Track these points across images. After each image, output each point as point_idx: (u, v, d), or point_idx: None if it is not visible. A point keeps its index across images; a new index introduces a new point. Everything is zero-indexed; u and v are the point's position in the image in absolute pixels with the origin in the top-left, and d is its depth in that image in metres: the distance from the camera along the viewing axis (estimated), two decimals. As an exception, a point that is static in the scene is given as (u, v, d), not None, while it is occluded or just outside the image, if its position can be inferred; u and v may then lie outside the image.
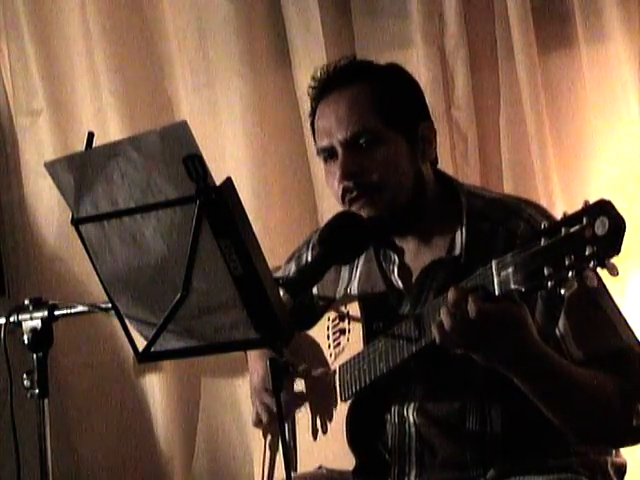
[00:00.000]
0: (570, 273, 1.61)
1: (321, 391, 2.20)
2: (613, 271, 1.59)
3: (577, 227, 1.60)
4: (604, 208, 1.59)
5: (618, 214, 1.58)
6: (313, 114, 2.17)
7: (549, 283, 1.64)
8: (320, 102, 2.14)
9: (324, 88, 2.14)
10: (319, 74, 2.16)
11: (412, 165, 2.10)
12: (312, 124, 2.18)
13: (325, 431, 2.19)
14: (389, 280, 2.16)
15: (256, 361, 2.35)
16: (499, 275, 1.74)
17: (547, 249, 1.65)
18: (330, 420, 2.18)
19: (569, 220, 1.62)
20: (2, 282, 3.46)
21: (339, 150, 2.08)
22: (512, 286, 1.72)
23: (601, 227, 1.57)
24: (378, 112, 2.07)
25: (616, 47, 2.82)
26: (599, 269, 1.60)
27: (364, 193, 2.06)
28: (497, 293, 1.75)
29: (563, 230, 1.63)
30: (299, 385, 2.26)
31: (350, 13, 3.11)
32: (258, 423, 2.32)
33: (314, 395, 2.22)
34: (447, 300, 1.79)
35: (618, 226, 1.57)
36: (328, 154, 2.11)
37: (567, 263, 1.61)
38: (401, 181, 2.08)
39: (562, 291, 1.63)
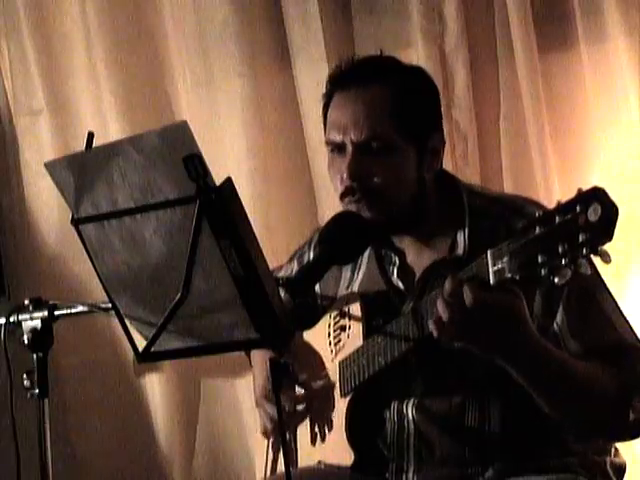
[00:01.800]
0: (564, 260, 1.62)
1: (320, 400, 2.20)
2: (606, 258, 1.59)
3: (570, 215, 1.61)
4: (597, 195, 1.59)
5: (611, 201, 1.58)
6: (328, 99, 2.14)
7: (543, 271, 1.65)
8: (339, 92, 2.11)
9: (346, 79, 2.12)
10: (344, 63, 2.15)
11: (416, 175, 2.09)
12: (325, 110, 2.16)
13: (323, 439, 2.20)
14: (389, 281, 2.16)
15: (258, 372, 2.35)
16: (494, 265, 1.75)
17: (541, 237, 1.66)
18: (329, 429, 2.18)
19: (563, 208, 1.63)
20: (2, 282, 3.46)
21: (349, 149, 2.07)
22: (507, 275, 1.72)
23: (594, 214, 1.58)
24: (395, 119, 2.06)
25: (616, 47, 2.82)
26: (593, 257, 1.61)
27: (364, 195, 2.06)
28: (492, 282, 1.76)
29: (557, 218, 1.63)
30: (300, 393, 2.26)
31: (350, 13, 3.11)
32: (265, 433, 2.33)
33: (313, 403, 2.22)
34: (443, 291, 1.79)
35: (610, 212, 1.58)
36: (336, 148, 2.10)
37: (561, 251, 1.62)
38: (402, 190, 2.08)
39: (556, 279, 1.64)
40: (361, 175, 2.06)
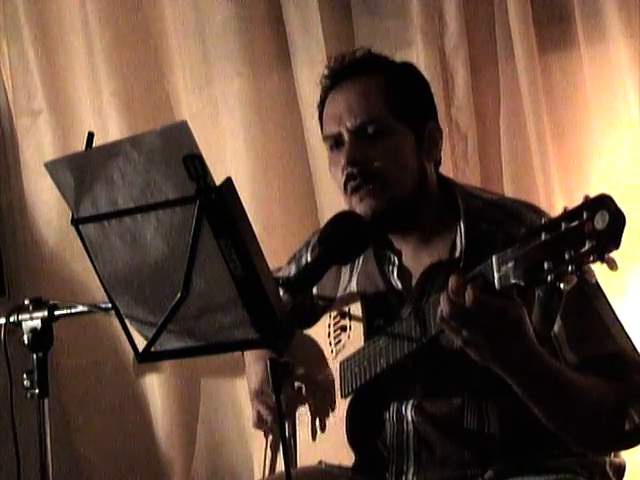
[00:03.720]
0: (570, 267, 1.61)
1: (320, 394, 2.20)
2: (612, 265, 1.59)
3: (577, 222, 1.61)
4: (604, 202, 1.59)
5: (618, 208, 1.58)
6: (322, 103, 2.17)
7: (549, 277, 1.65)
8: (331, 91, 2.15)
9: (336, 77, 2.15)
10: (332, 63, 2.17)
11: (416, 160, 2.10)
12: (320, 114, 2.18)
13: (323, 430, 2.20)
14: (388, 282, 2.16)
15: (253, 364, 2.35)
16: (499, 270, 1.74)
17: (547, 244, 1.65)
18: (328, 413, 2.18)
19: (569, 215, 1.63)
20: (2, 282, 3.46)
21: (346, 137, 2.08)
22: (512, 280, 1.72)
23: (601, 221, 1.57)
24: (389, 104, 2.08)
25: (616, 47, 2.81)
26: (599, 264, 1.60)
27: (367, 182, 2.06)
28: (497, 287, 1.75)
29: (563, 225, 1.63)
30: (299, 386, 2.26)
31: (350, 13, 3.11)
32: (259, 425, 2.32)
33: (313, 398, 2.22)
34: (448, 287, 1.79)
35: (618, 220, 1.57)
36: (334, 142, 2.11)
37: (567, 257, 1.61)
38: (404, 174, 2.09)
39: (561, 286, 1.63)
40: (360, 160, 2.07)
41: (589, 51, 2.86)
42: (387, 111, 2.08)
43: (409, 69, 2.21)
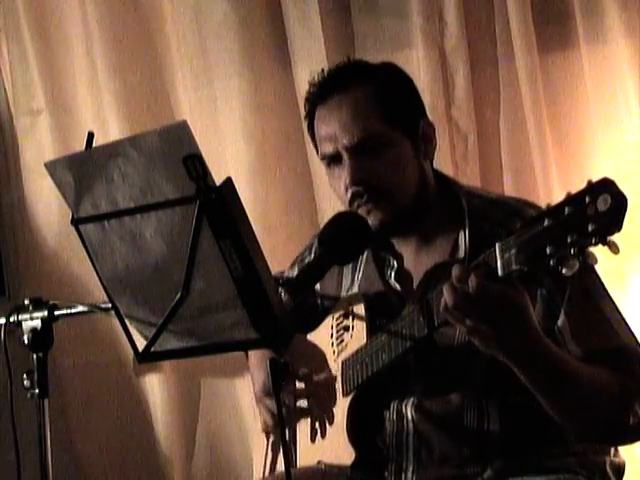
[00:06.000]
0: (572, 251, 1.62)
1: (321, 395, 2.20)
2: (614, 249, 1.59)
3: (579, 206, 1.61)
4: (606, 186, 1.60)
5: (620, 191, 1.59)
6: (311, 118, 2.17)
7: (551, 262, 1.65)
8: (319, 106, 2.13)
9: (323, 92, 2.13)
10: (317, 78, 2.16)
11: (417, 165, 2.10)
12: (310, 128, 2.18)
13: (324, 435, 2.20)
14: (387, 283, 2.16)
15: (256, 371, 2.35)
16: (502, 257, 1.74)
17: (550, 229, 1.66)
18: (330, 423, 2.18)
19: (572, 200, 1.64)
20: (2, 282, 3.46)
21: (345, 155, 2.07)
22: (514, 266, 1.72)
23: (603, 204, 1.58)
24: (381, 114, 2.07)
25: (616, 47, 2.82)
26: (600, 247, 1.61)
27: (373, 197, 2.06)
28: (500, 274, 1.75)
29: (566, 209, 1.64)
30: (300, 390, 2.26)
31: (350, 13, 3.11)
32: (266, 429, 2.33)
33: (314, 399, 2.22)
34: (451, 276, 1.79)
35: (620, 202, 1.58)
36: (332, 159, 2.10)
37: (569, 241, 1.62)
38: (407, 182, 2.09)
39: (564, 271, 1.63)
40: (364, 177, 2.06)
41: (589, 51, 2.86)
42: (381, 123, 2.07)
43: (393, 71, 2.18)
